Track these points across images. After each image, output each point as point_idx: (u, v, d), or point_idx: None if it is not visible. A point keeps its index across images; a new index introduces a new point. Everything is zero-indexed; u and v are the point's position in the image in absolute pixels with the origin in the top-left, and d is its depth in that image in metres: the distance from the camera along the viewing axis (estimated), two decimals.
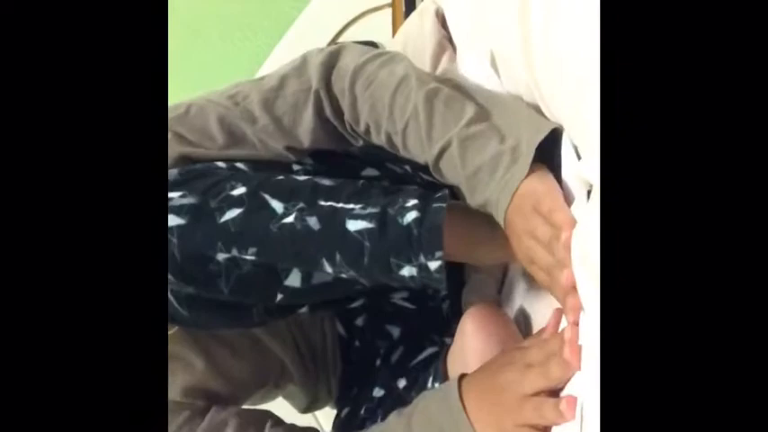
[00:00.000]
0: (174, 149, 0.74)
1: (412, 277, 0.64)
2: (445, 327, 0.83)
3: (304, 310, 0.79)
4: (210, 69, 1.55)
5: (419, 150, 0.69)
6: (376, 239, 0.63)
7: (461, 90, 0.72)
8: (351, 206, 0.65)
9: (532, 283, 0.74)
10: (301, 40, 1.52)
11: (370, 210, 0.64)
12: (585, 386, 0.55)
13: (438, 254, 0.62)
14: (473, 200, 0.66)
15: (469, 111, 0.68)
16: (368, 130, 0.73)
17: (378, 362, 0.85)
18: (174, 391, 0.78)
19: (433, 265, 0.63)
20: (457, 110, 0.68)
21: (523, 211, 0.62)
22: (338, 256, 0.64)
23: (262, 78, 0.79)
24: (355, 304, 0.86)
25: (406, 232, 0.63)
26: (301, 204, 0.65)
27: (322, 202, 0.65)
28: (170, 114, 0.76)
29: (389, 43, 1.15)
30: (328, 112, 0.73)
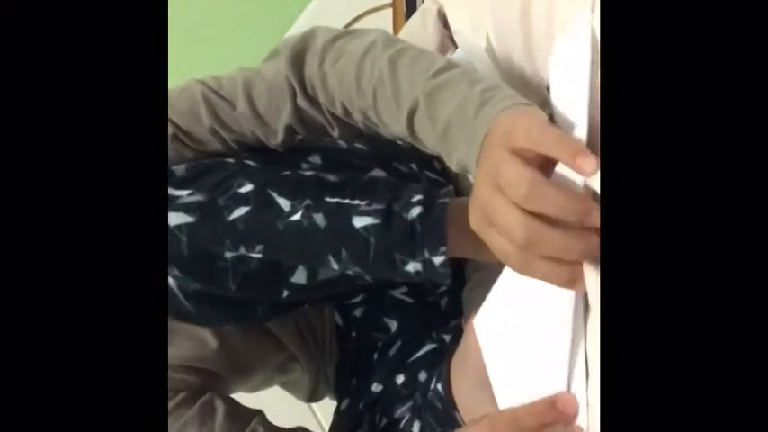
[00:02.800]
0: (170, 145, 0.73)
1: (417, 272, 0.64)
2: (444, 323, 0.83)
3: (307, 305, 0.79)
4: (210, 69, 1.55)
5: (393, 121, 0.64)
6: (381, 235, 0.63)
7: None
8: (356, 202, 0.64)
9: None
10: None
11: (375, 206, 0.64)
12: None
13: (442, 249, 0.62)
14: (452, 166, 0.60)
15: (439, 61, 0.62)
16: (346, 112, 0.70)
17: (375, 355, 0.85)
18: (177, 362, 0.78)
19: (438, 260, 0.62)
20: (425, 63, 0.62)
21: (486, 152, 0.52)
22: (344, 252, 0.64)
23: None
24: (355, 299, 0.86)
25: (409, 228, 0.62)
26: (308, 201, 0.65)
27: (328, 199, 0.65)
28: None
29: None
30: (300, 99, 0.71)
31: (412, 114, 0.61)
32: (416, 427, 0.76)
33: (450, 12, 0.88)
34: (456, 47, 0.88)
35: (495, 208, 0.49)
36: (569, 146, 0.46)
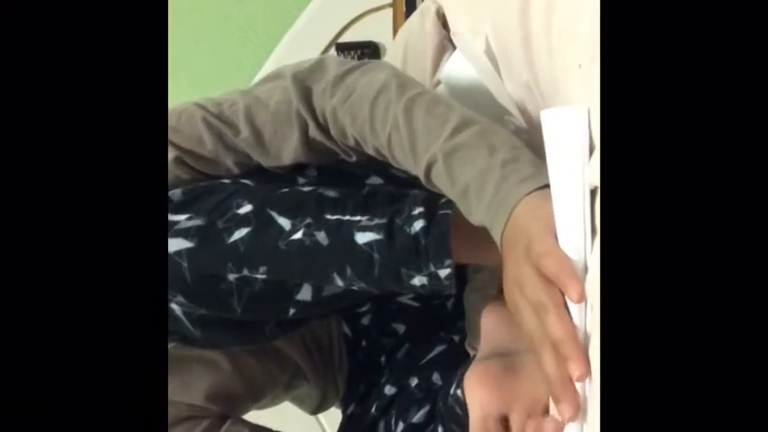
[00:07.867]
0: (171, 168, 0.73)
1: (422, 286, 0.64)
2: (452, 324, 0.84)
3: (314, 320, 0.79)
4: (211, 69, 1.56)
5: (408, 164, 0.66)
6: (385, 251, 0.63)
7: (444, 98, 0.68)
8: (357, 218, 0.65)
9: None
10: (302, 40, 1.52)
11: (377, 221, 0.64)
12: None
13: (447, 262, 0.62)
14: (470, 219, 0.62)
15: (453, 118, 0.64)
16: (357, 143, 0.71)
17: (383, 359, 0.85)
18: (198, 395, 0.80)
19: (443, 272, 0.63)
20: (439, 116, 0.64)
21: (515, 250, 0.56)
22: (348, 270, 0.64)
23: (251, 88, 0.78)
24: (362, 308, 0.86)
25: (414, 242, 0.62)
26: (308, 219, 0.65)
27: (329, 216, 0.65)
28: None
29: (390, 44, 1.15)
30: (313, 131, 0.71)
31: (429, 167, 0.63)
32: None
33: (449, 13, 0.88)
34: (455, 48, 0.88)
35: (521, 311, 0.54)
36: (574, 285, 0.51)
